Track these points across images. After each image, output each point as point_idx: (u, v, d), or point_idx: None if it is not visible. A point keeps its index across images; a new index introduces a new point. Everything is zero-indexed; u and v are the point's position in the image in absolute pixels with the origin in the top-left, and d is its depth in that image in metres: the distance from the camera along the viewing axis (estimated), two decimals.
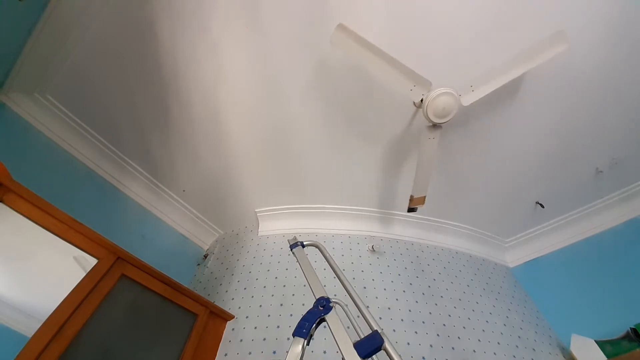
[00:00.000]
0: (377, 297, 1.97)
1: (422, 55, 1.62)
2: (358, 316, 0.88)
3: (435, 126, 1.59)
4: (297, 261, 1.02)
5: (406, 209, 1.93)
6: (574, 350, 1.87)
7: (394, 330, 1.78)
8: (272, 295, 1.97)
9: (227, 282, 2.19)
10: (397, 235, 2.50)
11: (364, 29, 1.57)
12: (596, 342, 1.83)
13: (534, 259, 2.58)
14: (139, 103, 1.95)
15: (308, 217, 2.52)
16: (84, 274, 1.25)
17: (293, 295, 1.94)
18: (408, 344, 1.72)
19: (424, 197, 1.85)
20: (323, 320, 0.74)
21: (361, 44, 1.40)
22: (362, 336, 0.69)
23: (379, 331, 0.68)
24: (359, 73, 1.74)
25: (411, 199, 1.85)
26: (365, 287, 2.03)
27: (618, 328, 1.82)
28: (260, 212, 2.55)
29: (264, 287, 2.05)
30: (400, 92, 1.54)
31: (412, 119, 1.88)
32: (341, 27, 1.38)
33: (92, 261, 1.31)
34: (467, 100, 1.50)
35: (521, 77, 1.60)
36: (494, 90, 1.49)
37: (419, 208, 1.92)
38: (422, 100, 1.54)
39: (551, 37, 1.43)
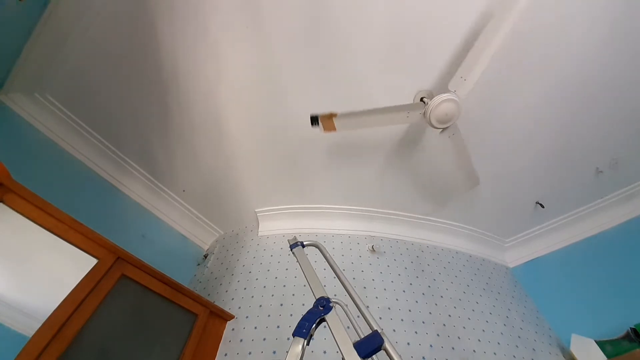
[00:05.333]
0: (377, 297, 1.97)
1: (420, 48, 1.63)
2: (358, 316, 0.88)
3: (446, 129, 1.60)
4: (297, 261, 1.01)
5: (403, 208, 1.89)
6: (574, 350, 1.87)
7: (394, 330, 1.78)
8: (272, 295, 1.97)
9: (227, 282, 2.19)
10: (397, 235, 2.50)
11: (364, 27, 1.59)
12: (596, 342, 1.83)
13: (533, 259, 2.58)
14: (139, 103, 1.95)
15: (308, 217, 2.52)
16: (84, 274, 1.25)
17: (293, 295, 1.94)
18: (408, 344, 1.72)
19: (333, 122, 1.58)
20: (323, 320, 0.74)
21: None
22: (362, 336, 0.69)
23: (379, 331, 0.68)
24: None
25: (329, 115, 1.56)
26: (365, 287, 2.03)
27: (618, 328, 1.82)
28: (260, 212, 2.55)
29: (264, 287, 2.04)
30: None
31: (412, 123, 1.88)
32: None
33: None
34: (464, 91, 1.49)
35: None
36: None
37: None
38: (423, 114, 1.56)
39: None
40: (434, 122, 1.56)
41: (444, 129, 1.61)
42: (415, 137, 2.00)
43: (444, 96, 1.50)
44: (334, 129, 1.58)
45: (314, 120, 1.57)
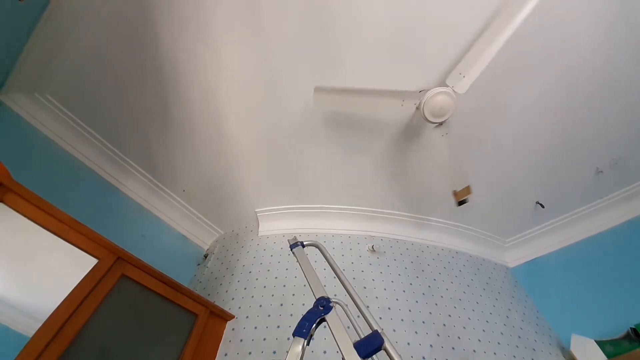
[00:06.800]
0: (377, 297, 1.97)
1: (418, 51, 1.63)
2: (358, 316, 0.88)
3: (441, 124, 1.59)
4: (297, 261, 1.01)
5: (403, 208, 1.91)
6: (574, 350, 1.87)
7: (394, 330, 1.78)
8: (272, 295, 1.97)
9: (227, 282, 2.19)
10: (397, 235, 2.49)
11: (364, 27, 1.58)
12: (596, 342, 1.83)
13: (534, 259, 2.58)
14: (139, 103, 1.95)
15: (308, 217, 2.52)
16: (84, 274, 1.25)
17: (293, 295, 1.94)
18: (408, 344, 1.72)
19: (468, 186, 1.75)
20: (323, 320, 0.74)
21: (342, 93, 1.59)
22: (362, 336, 0.69)
23: (379, 331, 0.68)
24: None
25: (454, 194, 1.78)
26: (365, 287, 2.02)
27: (618, 328, 1.82)
28: (260, 212, 2.55)
29: (264, 287, 2.05)
30: (393, 111, 1.62)
31: (411, 118, 1.88)
32: (317, 90, 1.58)
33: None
34: (462, 87, 1.48)
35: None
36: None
37: (468, 199, 1.80)
38: (417, 107, 1.56)
39: None
40: (427, 115, 1.55)
41: (438, 124, 1.60)
42: (413, 136, 2.00)
43: (439, 89, 1.49)
44: (469, 190, 1.74)
45: (461, 202, 1.78)
